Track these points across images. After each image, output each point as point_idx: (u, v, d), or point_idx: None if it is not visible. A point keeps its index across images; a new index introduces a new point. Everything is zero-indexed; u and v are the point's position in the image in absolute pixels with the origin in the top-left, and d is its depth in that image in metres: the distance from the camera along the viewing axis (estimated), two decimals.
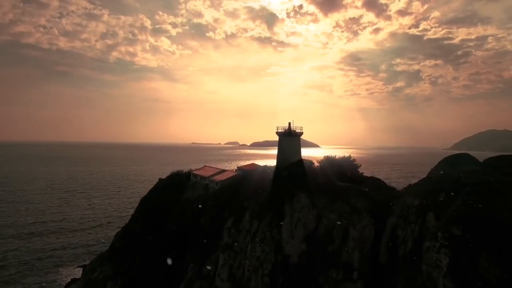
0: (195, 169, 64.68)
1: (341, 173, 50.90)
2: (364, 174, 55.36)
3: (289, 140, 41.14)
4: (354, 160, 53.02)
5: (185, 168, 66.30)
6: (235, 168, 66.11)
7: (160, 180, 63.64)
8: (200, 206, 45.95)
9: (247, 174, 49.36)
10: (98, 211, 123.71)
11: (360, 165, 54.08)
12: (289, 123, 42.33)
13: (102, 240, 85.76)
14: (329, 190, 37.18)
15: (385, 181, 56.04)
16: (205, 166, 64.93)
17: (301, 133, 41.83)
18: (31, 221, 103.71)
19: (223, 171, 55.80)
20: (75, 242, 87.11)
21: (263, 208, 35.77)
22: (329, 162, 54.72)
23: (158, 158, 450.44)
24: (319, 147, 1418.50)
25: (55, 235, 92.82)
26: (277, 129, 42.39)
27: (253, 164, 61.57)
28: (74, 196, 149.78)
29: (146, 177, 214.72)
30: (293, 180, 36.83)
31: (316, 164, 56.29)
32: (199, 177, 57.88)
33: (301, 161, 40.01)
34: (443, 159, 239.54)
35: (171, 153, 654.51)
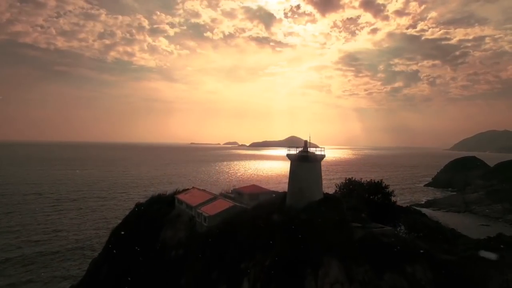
0: (182, 191, 51.94)
1: (368, 202, 38.59)
2: (397, 201, 42.90)
3: (306, 167, 28.36)
4: (386, 185, 40.58)
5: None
6: (231, 189, 53.46)
7: (137, 205, 50.78)
8: (180, 252, 33.27)
9: (247, 207, 36.73)
10: (83, 226, 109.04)
11: (393, 191, 41.60)
12: (306, 142, 29.75)
13: (76, 271, 72.40)
14: (368, 246, 24.55)
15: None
16: (193, 188, 52.00)
17: (323, 157, 29.30)
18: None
19: (215, 198, 42.99)
20: (46, 273, 73.06)
21: (271, 279, 23.26)
22: (352, 188, 42.26)
23: (156, 159, 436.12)
24: (319, 147, 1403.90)
25: (25, 262, 78.95)
26: (288, 150, 29.73)
27: (254, 186, 48.83)
28: (61, 206, 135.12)
29: (142, 181, 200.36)
30: (316, 233, 24.28)
31: (336, 188, 43.91)
32: (185, 204, 45.11)
33: (327, 201, 27.25)
34: (449, 162, 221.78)
35: (170, 153, 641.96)
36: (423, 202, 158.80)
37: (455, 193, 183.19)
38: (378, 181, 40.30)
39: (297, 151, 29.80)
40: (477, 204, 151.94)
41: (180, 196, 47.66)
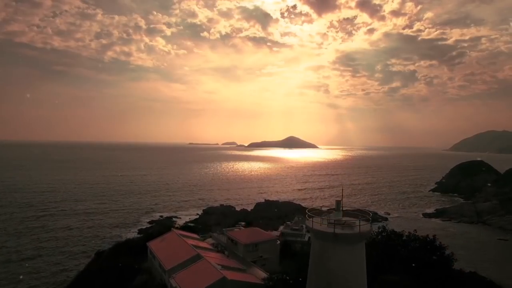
0: (158, 236, 39.70)
1: (417, 268, 26.67)
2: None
3: (342, 252, 15.55)
4: (442, 245, 28.22)
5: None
6: (224, 229, 41.45)
7: (98, 254, 38.60)
8: None
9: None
10: (66, 248, 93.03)
11: (453, 254, 28.81)
12: (338, 203, 17.29)
13: None
14: None
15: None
16: (172, 231, 39.49)
17: (368, 232, 16.70)
18: None
19: (197, 256, 30.70)
20: None
21: None
22: (388, 241, 30.12)
23: (154, 160, 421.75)
24: (317, 147, 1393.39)
25: None
26: (309, 218, 16.91)
27: (252, 231, 36.86)
28: (43, 221, 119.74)
29: (137, 188, 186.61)
30: None
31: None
32: (158, 262, 32.95)
33: None
34: (456, 166, 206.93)
35: (168, 153, 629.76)
36: (433, 212, 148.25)
37: (463, 200, 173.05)
38: (430, 238, 27.47)
39: (324, 218, 17.10)
40: (490, 215, 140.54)
41: (153, 246, 35.50)
